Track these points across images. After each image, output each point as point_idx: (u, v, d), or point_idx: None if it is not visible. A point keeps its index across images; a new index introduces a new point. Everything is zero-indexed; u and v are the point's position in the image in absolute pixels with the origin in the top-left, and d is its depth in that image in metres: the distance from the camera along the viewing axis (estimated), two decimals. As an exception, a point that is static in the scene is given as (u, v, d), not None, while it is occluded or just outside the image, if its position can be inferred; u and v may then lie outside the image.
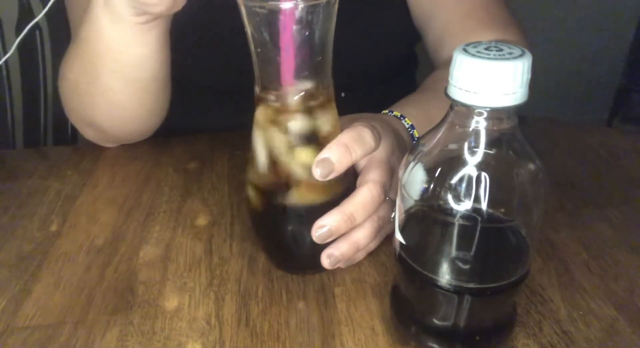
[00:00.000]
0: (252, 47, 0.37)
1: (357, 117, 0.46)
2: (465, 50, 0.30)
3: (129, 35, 0.51)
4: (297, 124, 0.38)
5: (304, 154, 0.39)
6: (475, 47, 0.30)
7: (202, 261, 0.46)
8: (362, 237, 0.41)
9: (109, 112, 0.58)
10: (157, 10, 0.46)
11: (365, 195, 0.40)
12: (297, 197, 0.40)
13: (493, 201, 0.31)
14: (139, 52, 0.53)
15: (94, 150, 0.64)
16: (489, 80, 0.29)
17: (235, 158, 0.61)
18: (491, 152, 0.31)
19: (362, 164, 0.42)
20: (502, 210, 0.32)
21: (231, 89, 0.57)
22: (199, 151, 0.63)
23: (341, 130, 0.41)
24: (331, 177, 0.38)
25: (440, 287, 0.33)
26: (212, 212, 0.52)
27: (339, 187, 0.41)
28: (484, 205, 0.31)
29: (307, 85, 0.38)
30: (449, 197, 0.31)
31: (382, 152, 0.42)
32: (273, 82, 0.38)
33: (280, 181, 0.40)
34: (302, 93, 0.38)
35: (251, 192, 0.42)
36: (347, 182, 0.41)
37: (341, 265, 0.42)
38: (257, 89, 0.39)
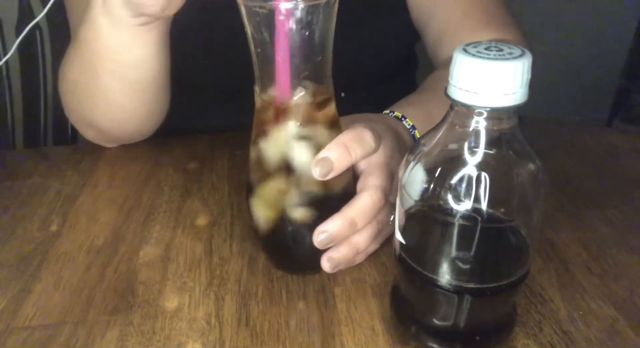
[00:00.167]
0: (252, 47, 0.37)
1: (357, 118, 0.46)
2: (465, 50, 0.30)
3: (128, 36, 0.51)
4: (297, 123, 0.38)
5: (303, 154, 0.39)
6: (475, 47, 0.30)
7: (202, 261, 0.46)
8: (362, 241, 0.41)
9: (109, 112, 0.58)
10: (152, 11, 0.46)
11: (366, 201, 0.40)
12: (297, 197, 0.40)
13: (493, 201, 0.31)
14: (138, 53, 0.53)
15: (94, 150, 0.64)
16: (489, 80, 0.29)
17: (235, 158, 0.61)
18: (491, 152, 0.31)
19: (361, 167, 0.42)
20: (502, 210, 0.32)
21: (231, 89, 0.58)
22: (199, 151, 0.63)
23: (342, 130, 0.41)
24: (330, 176, 0.38)
25: (440, 287, 0.33)
26: (212, 212, 0.52)
27: (338, 187, 0.41)
28: (484, 205, 0.31)
29: (307, 85, 0.38)
30: (449, 197, 0.31)
31: (382, 156, 0.42)
32: (273, 81, 0.38)
33: (280, 181, 0.40)
34: (302, 93, 0.38)
35: (251, 192, 0.42)
36: (347, 182, 0.41)
37: (341, 267, 0.42)
38: (257, 89, 0.39)
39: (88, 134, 0.64)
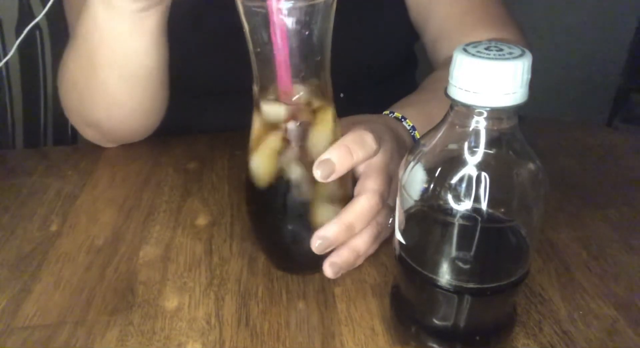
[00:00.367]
0: (250, 47, 0.37)
1: (357, 120, 0.46)
2: (465, 50, 0.30)
3: (125, 25, 0.51)
4: (296, 123, 0.38)
5: (303, 154, 0.39)
6: (475, 47, 0.30)
7: (202, 261, 0.46)
8: (362, 243, 0.41)
9: (108, 109, 0.58)
10: None
11: (363, 205, 0.40)
12: (297, 197, 0.40)
13: (493, 201, 0.31)
14: (136, 43, 0.53)
15: (94, 150, 0.64)
16: (489, 80, 0.29)
17: (235, 158, 0.61)
18: (491, 152, 0.31)
19: (360, 169, 0.42)
20: (502, 210, 0.32)
21: (230, 89, 0.58)
22: (199, 151, 0.63)
23: (342, 132, 0.41)
24: (332, 178, 0.38)
25: (440, 287, 0.33)
26: (212, 212, 0.52)
27: (338, 186, 0.41)
28: (484, 205, 0.31)
29: (306, 85, 0.38)
30: (449, 197, 0.31)
31: (381, 158, 0.42)
32: (272, 81, 0.38)
33: (280, 181, 0.40)
34: (301, 93, 0.38)
35: (251, 192, 0.42)
36: (347, 182, 0.41)
37: (343, 271, 0.42)
38: (255, 89, 0.39)
39: (88, 133, 0.64)
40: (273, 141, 0.39)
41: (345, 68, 0.45)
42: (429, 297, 0.35)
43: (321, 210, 0.40)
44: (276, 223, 0.42)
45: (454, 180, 0.31)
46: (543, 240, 0.47)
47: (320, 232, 0.39)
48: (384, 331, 0.39)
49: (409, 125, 0.50)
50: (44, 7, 0.57)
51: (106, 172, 0.60)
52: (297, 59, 0.36)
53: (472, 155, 0.31)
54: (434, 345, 0.36)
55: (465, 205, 0.31)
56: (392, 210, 0.44)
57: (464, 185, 0.31)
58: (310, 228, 0.40)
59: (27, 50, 0.88)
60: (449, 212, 0.31)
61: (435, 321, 0.36)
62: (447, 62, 0.31)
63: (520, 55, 0.29)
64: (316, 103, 0.39)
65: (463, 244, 0.33)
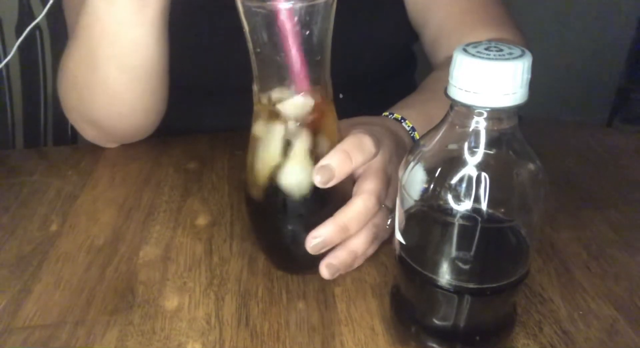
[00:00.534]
0: (250, 47, 0.37)
1: (357, 121, 0.46)
2: (465, 50, 0.30)
3: (125, 14, 0.51)
4: (296, 123, 0.38)
5: (302, 154, 0.39)
6: (475, 47, 0.30)
7: (202, 261, 0.46)
8: (359, 245, 0.41)
9: (108, 105, 0.58)
10: None
11: (359, 206, 0.40)
12: (297, 197, 0.40)
13: (493, 201, 0.31)
14: (136, 33, 0.53)
15: (94, 150, 0.64)
16: (489, 80, 0.29)
17: (235, 158, 0.61)
18: (491, 152, 0.31)
19: (359, 170, 0.42)
20: (502, 210, 0.32)
21: (230, 89, 0.58)
22: (199, 151, 0.63)
23: (342, 134, 0.41)
24: (331, 184, 0.38)
25: (441, 287, 0.33)
26: (212, 212, 0.52)
27: (339, 187, 0.41)
28: (484, 205, 0.31)
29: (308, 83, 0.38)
30: (449, 197, 0.31)
31: (379, 160, 0.42)
32: (271, 81, 0.38)
33: (279, 181, 0.40)
34: (301, 93, 0.38)
35: (251, 192, 0.42)
36: (347, 182, 0.41)
37: (340, 272, 0.42)
38: (255, 89, 0.39)
39: (88, 133, 0.64)
40: (273, 141, 0.39)
41: (345, 68, 0.45)
42: (429, 297, 0.35)
43: (321, 211, 0.40)
44: (276, 223, 0.42)
45: (454, 180, 0.31)
46: (543, 240, 0.47)
47: (315, 232, 0.39)
48: (384, 331, 0.39)
49: (408, 126, 0.50)
50: (44, 7, 0.57)
51: (106, 172, 0.60)
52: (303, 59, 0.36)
53: (472, 156, 0.31)
54: (434, 345, 0.36)
55: (465, 205, 0.31)
56: (390, 211, 0.44)
57: (464, 185, 0.31)
58: (310, 228, 0.40)
59: (27, 50, 0.88)
60: (449, 212, 0.31)
61: (435, 321, 0.36)
62: (447, 62, 0.31)
63: (520, 56, 0.29)
64: (316, 103, 0.39)
65: (463, 244, 0.33)
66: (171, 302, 0.42)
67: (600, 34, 1.80)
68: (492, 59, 0.29)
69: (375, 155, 0.41)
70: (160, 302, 0.42)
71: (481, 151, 0.31)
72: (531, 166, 0.32)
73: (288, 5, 0.34)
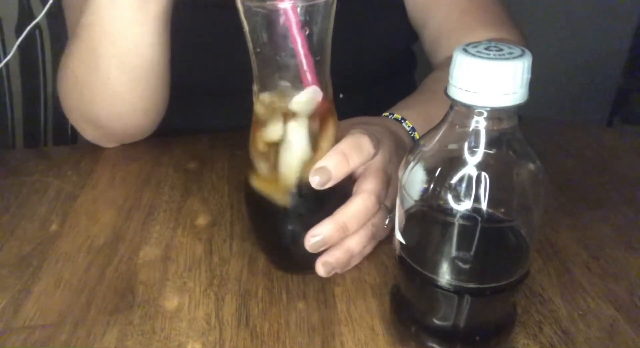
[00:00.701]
0: (250, 47, 0.37)
1: (357, 122, 0.46)
2: (465, 50, 0.30)
3: (127, 12, 0.51)
4: (296, 123, 0.38)
5: (302, 153, 0.39)
6: (475, 47, 0.30)
7: (202, 261, 0.46)
8: (356, 244, 0.41)
9: (108, 104, 0.58)
10: None
11: (358, 205, 0.40)
12: (296, 197, 0.40)
13: (493, 201, 0.31)
14: (137, 32, 0.53)
15: (94, 150, 0.64)
16: (489, 80, 0.29)
17: (235, 158, 0.61)
18: (491, 152, 0.31)
19: (359, 170, 0.42)
20: (502, 210, 0.32)
21: (230, 90, 0.58)
22: (199, 151, 0.63)
23: (341, 134, 0.41)
24: (328, 185, 0.38)
25: (441, 287, 0.33)
26: (212, 212, 0.52)
27: (339, 187, 0.41)
28: (484, 205, 0.31)
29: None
30: (449, 197, 0.31)
31: (379, 160, 0.42)
32: (271, 81, 0.38)
33: (279, 181, 0.40)
34: (308, 87, 0.38)
35: (251, 192, 0.42)
36: (347, 182, 0.41)
37: (337, 271, 0.42)
38: (255, 89, 0.39)
39: (88, 133, 0.64)
40: (273, 140, 0.39)
41: (345, 68, 0.45)
42: (429, 297, 0.35)
43: (321, 210, 0.40)
44: (276, 223, 0.42)
45: (454, 180, 0.31)
46: (543, 240, 0.47)
47: (314, 231, 0.39)
48: (384, 331, 0.39)
49: (408, 127, 0.50)
50: (44, 7, 0.57)
51: (106, 172, 0.60)
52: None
53: (472, 155, 0.31)
54: (434, 345, 0.36)
55: (465, 205, 0.31)
56: (388, 211, 0.44)
57: (464, 185, 0.31)
58: (310, 228, 0.40)
59: (27, 50, 0.88)
60: (449, 212, 0.31)
61: (435, 321, 0.36)
62: (447, 62, 0.31)
63: (520, 55, 0.29)
64: (316, 103, 0.39)
65: (463, 244, 0.33)
66: (171, 302, 0.42)
67: (600, 34, 1.80)
68: (492, 58, 0.29)
69: (374, 155, 0.41)
70: (160, 302, 0.42)
71: (481, 151, 0.31)
72: (531, 166, 0.32)
73: (288, 5, 0.34)
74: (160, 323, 0.40)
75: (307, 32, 0.36)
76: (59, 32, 0.85)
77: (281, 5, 0.34)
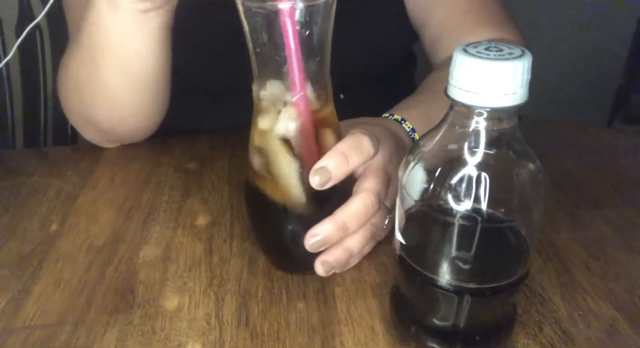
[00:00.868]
0: (250, 47, 0.37)
1: (357, 122, 0.46)
2: (465, 51, 0.30)
3: (129, 25, 0.51)
4: (296, 125, 0.38)
5: (303, 154, 0.39)
6: (475, 47, 0.30)
7: (202, 261, 0.46)
8: (355, 244, 0.41)
9: (108, 108, 0.58)
10: None
11: (358, 205, 0.40)
12: (296, 197, 0.40)
13: (493, 201, 0.31)
14: (138, 44, 0.53)
15: (94, 150, 0.64)
16: (489, 80, 0.29)
17: (235, 158, 0.61)
18: (491, 152, 0.31)
19: (359, 170, 0.42)
20: (502, 210, 0.32)
21: (230, 89, 0.58)
22: (199, 151, 0.63)
23: (341, 134, 0.41)
24: (328, 185, 0.38)
25: (441, 287, 0.33)
26: (212, 212, 0.52)
27: (339, 187, 0.41)
28: (484, 205, 0.31)
29: (306, 85, 0.38)
30: (449, 197, 0.31)
31: (379, 160, 0.42)
32: (271, 81, 0.38)
33: (279, 180, 0.40)
34: (301, 93, 0.38)
35: (251, 192, 0.42)
36: (347, 183, 0.41)
37: (336, 270, 0.42)
38: (255, 89, 0.39)
39: (88, 133, 0.64)
40: (273, 141, 0.39)
41: (345, 68, 0.45)
42: (429, 297, 0.35)
43: (321, 211, 0.40)
44: (276, 223, 0.42)
45: (454, 180, 0.31)
46: (543, 240, 0.47)
47: (314, 230, 0.40)
48: (384, 331, 0.39)
49: (408, 127, 0.50)
50: (44, 7, 0.57)
51: (106, 172, 0.60)
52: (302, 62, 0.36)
53: (472, 156, 0.31)
54: (434, 345, 0.36)
55: (465, 205, 0.31)
56: (388, 211, 0.44)
57: (464, 185, 0.31)
58: (310, 228, 0.40)
59: (27, 50, 0.88)
60: (449, 212, 0.31)
61: (435, 321, 0.36)
62: (447, 62, 0.31)
63: (520, 56, 0.29)
64: (316, 103, 0.39)
65: (463, 244, 0.33)
66: (171, 302, 0.42)
67: (600, 34, 1.80)
68: (492, 59, 0.29)
69: (374, 155, 0.41)
70: (160, 302, 0.42)
71: (481, 151, 0.31)
72: (531, 166, 0.32)
73: (288, 5, 0.34)
74: (160, 323, 0.40)
75: (306, 33, 0.36)
76: (59, 32, 0.85)
77: (281, 6, 0.34)
